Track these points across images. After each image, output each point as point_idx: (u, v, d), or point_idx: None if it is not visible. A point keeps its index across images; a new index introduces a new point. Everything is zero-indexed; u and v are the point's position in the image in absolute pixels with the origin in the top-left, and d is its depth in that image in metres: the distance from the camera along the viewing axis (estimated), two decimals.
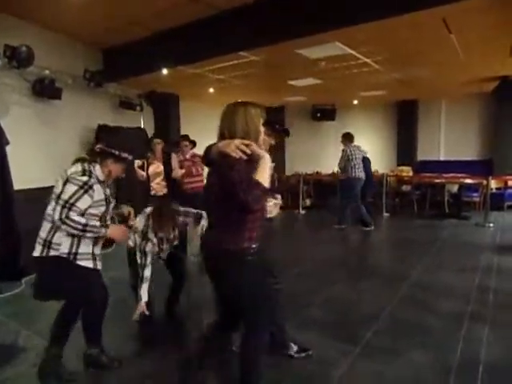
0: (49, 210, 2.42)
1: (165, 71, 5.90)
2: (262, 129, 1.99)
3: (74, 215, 2.30)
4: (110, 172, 2.52)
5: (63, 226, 2.31)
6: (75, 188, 2.32)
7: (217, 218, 1.98)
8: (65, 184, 2.35)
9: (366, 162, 7.05)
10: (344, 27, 4.09)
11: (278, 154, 11.71)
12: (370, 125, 10.59)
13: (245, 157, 1.80)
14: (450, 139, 9.74)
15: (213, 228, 2.03)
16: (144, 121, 7.59)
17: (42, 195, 5.18)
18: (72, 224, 2.29)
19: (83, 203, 2.33)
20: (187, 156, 5.44)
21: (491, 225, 6.78)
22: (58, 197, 2.34)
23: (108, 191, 2.55)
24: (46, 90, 5.53)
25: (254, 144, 1.85)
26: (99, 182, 2.45)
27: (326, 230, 7.24)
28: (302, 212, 8.78)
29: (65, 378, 2.50)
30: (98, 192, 2.42)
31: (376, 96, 9.08)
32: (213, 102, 9.14)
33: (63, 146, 6.09)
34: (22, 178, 4.89)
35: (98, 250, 2.56)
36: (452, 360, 2.63)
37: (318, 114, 10.89)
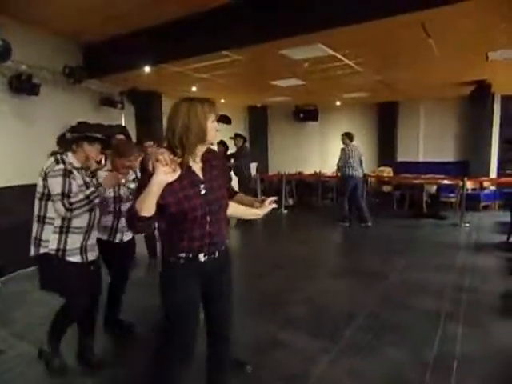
0: (36, 210, 2.47)
1: (147, 69, 5.83)
2: (215, 125, 1.80)
3: (74, 198, 2.36)
4: (87, 156, 2.55)
5: (75, 212, 2.35)
6: (59, 179, 2.36)
7: None
8: (44, 180, 2.39)
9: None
10: (327, 29, 4.13)
11: (261, 153, 11.76)
12: (352, 126, 10.68)
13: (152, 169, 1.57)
14: (428, 141, 9.96)
15: None
16: (125, 119, 7.49)
17: (18, 193, 5.09)
18: (79, 205, 2.35)
19: (74, 188, 2.39)
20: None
21: (467, 225, 6.98)
22: (48, 195, 2.38)
23: (89, 179, 2.59)
24: (23, 86, 5.38)
25: (166, 159, 1.54)
26: (75, 168, 2.49)
27: (307, 229, 7.31)
28: (285, 211, 8.84)
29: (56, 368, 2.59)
30: (78, 177, 2.47)
31: (358, 98, 9.21)
32: None
33: (41, 143, 5.93)
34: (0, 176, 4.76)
35: (91, 241, 2.60)
36: (428, 356, 2.71)
37: (301, 115, 10.97)
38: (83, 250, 2.53)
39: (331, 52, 5.22)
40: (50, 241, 2.41)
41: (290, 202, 9.81)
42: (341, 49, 5.17)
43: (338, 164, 7.17)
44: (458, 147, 9.55)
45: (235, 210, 2.00)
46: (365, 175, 7.88)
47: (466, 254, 5.28)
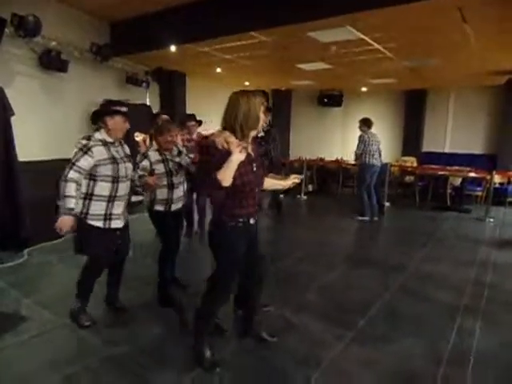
0: None
1: (173, 48, 5.81)
2: (263, 116, 2.23)
3: (71, 180, 2.63)
4: (109, 129, 2.79)
5: (61, 183, 2.63)
6: (76, 150, 2.68)
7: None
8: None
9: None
10: (358, 11, 4.01)
11: (282, 137, 11.66)
12: (377, 113, 10.44)
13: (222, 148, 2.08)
14: (456, 132, 9.65)
15: None
16: (150, 98, 7.53)
17: (45, 168, 5.23)
18: (63, 187, 2.63)
19: (83, 162, 2.64)
20: (194, 136, 5.31)
21: (492, 220, 6.79)
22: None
23: (117, 153, 2.83)
24: (52, 62, 5.47)
25: (235, 141, 2.08)
26: (105, 144, 2.75)
27: (325, 216, 7.27)
28: (304, 197, 8.79)
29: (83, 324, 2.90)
30: (100, 153, 2.71)
31: (385, 84, 8.96)
32: (220, 81, 9.05)
33: (67, 119, 6.07)
34: (26, 150, 4.89)
35: (117, 210, 2.85)
36: (444, 350, 2.68)
37: (325, 100, 10.78)
38: (106, 217, 2.79)
39: (360, 35, 5.06)
40: (78, 204, 2.72)
41: (310, 188, 9.74)
42: (371, 32, 5.01)
43: (355, 152, 6.77)
44: (487, 139, 9.22)
45: (266, 182, 2.49)
46: (386, 164, 7.70)
47: (489, 249, 5.15)
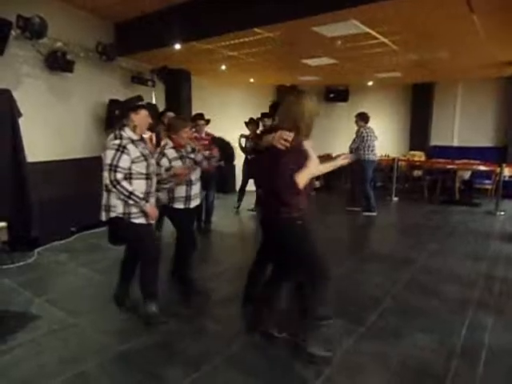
0: (104, 180, 2.78)
1: (177, 46, 5.80)
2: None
3: (122, 180, 2.69)
4: (137, 125, 2.82)
5: (114, 190, 2.69)
6: (113, 151, 2.69)
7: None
8: (105, 152, 2.75)
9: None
10: (363, 4, 3.96)
11: None
12: (383, 107, 10.39)
13: (284, 147, 2.20)
14: (464, 125, 9.52)
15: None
16: (156, 96, 7.54)
17: (53, 168, 5.28)
18: (121, 189, 2.68)
19: (124, 162, 2.70)
20: (203, 135, 5.34)
21: (502, 213, 6.71)
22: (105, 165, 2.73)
23: (144, 150, 2.87)
24: (58, 63, 5.49)
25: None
26: (132, 141, 2.79)
27: (335, 211, 7.24)
28: (312, 193, 8.75)
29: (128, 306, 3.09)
30: (133, 150, 2.75)
31: (391, 78, 8.86)
32: (225, 78, 9.03)
33: (75, 119, 6.10)
34: (34, 151, 4.93)
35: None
36: (455, 344, 2.66)
37: (331, 95, 10.70)
38: (145, 213, 2.84)
39: (366, 29, 5.01)
40: (117, 206, 2.75)
41: (317, 184, 9.69)
42: (376, 26, 4.95)
43: (350, 146, 6.71)
44: (496, 132, 9.08)
45: (323, 168, 2.63)
46: (393, 159, 7.60)
47: (500, 242, 5.09)
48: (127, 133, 2.79)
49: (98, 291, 3.62)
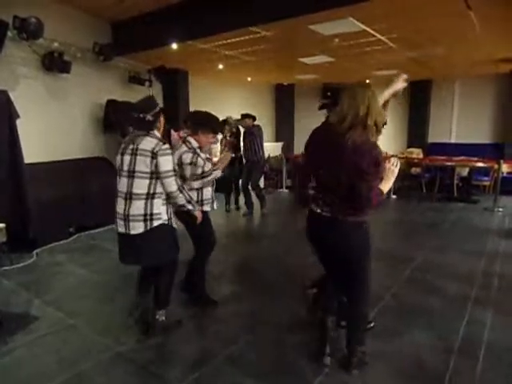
0: (135, 189, 2.52)
1: (174, 46, 5.80)
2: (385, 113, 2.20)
3: (183, 184, 2.74)
4: (160, 127, 2.69)
5: (179, 195, 2.62)
6: (170, 157, 2.55)
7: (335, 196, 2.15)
8: (152, 159, 2.48)
9: None
10: (360, 2, 3.96)
11: (287, 133, 11.63)
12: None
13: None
14: (462, 121, 9.54)
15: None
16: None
17: (51, 169, 5.27)
18: (186, 194, 2.69)
19: (174, 165, 2.63)
20: None
21: (500, 209, 6.72)
22: (157, 172, 2.51)
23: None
24: (55, 64, 5.48)
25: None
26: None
27: None
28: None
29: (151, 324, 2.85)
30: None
31: (389, 75, 8.85)
32: (222, 78, 9.02)
33: (72, 120, 6.09)
34: (32, 152, 4.92)
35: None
36: (454, 341, 2.67)
37: (329, 93, 10.69)
38: (170, 215, 2.74)
39: (363, 26, 5.01)
40: (162, 212, 2.58)
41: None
42: (373, 23, 4.95)
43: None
44: (494, 128, 9.11)
45: (384, 96, 2.59)
46: (391, 157, 7.57)
47: (498, 239, 5.10)
48: (159, 135, 2.63)
49: (96, 292, 3.62)
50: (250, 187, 6.66)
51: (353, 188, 1.99)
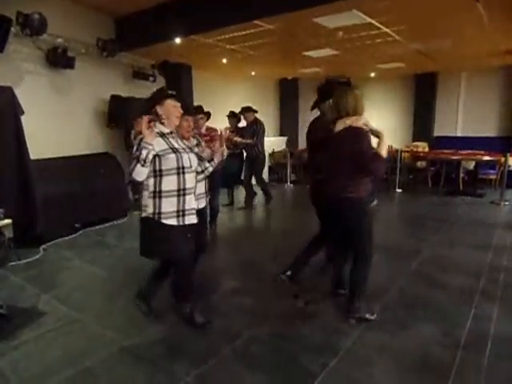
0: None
1: (178, 40, 5.77)
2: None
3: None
4: (164, 118, 2.63)
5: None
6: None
7: (340, 175, 2.73)
8: None
9: None
10: None
11: (291, 127, 11.58)
12: (386, 98, 10.31)
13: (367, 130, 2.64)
14: (468, 115, 9.45)
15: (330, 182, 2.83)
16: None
17: (56, 165, 5.29)
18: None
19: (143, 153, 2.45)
20: (202, 130, 4.57)
21: (507, 203, 6.67)
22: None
23: (176, 144, 2.65)
24: (59, 59, 5.48)
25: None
26: (161, 135, 2.59)
27: None
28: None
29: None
30: (158, 144, 2.52)
31: (394, 68, 8.79)
32: (225, 72, 8.99)
33: (76, 115, 6.10)
34: (37, 148, 4.93)
35: (189, 205, 2.66)
36: (460, 335, 2.66)
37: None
38: (180, 213, 2.61)
39: (368, 19, 4.95)
40: (148, 205, 2.58)
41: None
42: (378, 15, 4.89)
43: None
44: (501, 121, 9.01)
45: None
46: (397, 150, 7.50)
47: (505, 233, 5.07)
48: (159, 127, 2.61)
49: (102, 287, 3.65)
50: (251, 182, 6.65)
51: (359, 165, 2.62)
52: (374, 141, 2.68)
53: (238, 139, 6.38)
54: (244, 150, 6.70)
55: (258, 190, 7.03)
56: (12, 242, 4.21)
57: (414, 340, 2.62)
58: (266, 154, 7.13)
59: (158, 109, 2.61)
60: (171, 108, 2.62)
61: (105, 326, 2.87)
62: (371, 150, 2.59)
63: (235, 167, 6.76)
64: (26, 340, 2.69)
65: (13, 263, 4.14)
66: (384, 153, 2.58)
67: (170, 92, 2.67)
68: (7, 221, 4.02)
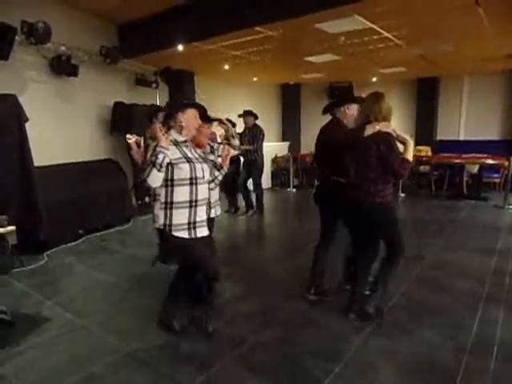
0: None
1: (180, 47, 5.82)
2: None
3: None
4: (184, 126, 2.62)
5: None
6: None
7: (369, 178, 2.78)
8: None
9: None
10: None
11: (293, 132, 11.59)
12: (388, 103, 10.30)
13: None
14: (471, 118, 9.44)
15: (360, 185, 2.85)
16: (160, 98, 7.57)
17: (59, 171, 5.32)
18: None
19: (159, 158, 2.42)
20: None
21: (511, 206, 6.64)
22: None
23: (190, 153, 2.62)
24: (63, 67, 5.54)
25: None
26: (175, 143, 2.57)
27: None
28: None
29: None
30: (172, 152, 2.49)
31: (396, 73, 8.81)
32: (228, 78, 9.03)
33: (80, 122, 6.15)
34: (41, 155, 4.97)
35: (200, 217, 2.61)
36: (466, 340, 2.63)
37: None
38: (191, 225, 2.56)
39: (369, 24, 4.98)
40: (159, 216, 2.53)
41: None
42: (379, 20, 4.92)
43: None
44: (504, 125, 8.99)
45: None
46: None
47: (509, 236, 5.03)
48: (173, 135, 2.59)
49: (106, 293, 3.64)
50: (248, 186, 6.62)
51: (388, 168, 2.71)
52: (399, 147, 2.77)
53: (240, 146, 6.35)
54: (241, 156, 6.62)
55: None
56: (15, 248, 4.23)
57: (418, 345, 2.60)
58: (269, 160, 7.11)
59: (180, 116, 2.59)
60: (192, 117, 2.64)
61: (109, 332, 2.87)
62: (400, 154, 2.70)
63: (231, 173, 6.66)
64: (30, 346, 2.69)
65: (17, 269, 4.16)
66: (410, 158, 2.70)
67: (193, 102, 2.75)
68: (11, 227, 4.04)
